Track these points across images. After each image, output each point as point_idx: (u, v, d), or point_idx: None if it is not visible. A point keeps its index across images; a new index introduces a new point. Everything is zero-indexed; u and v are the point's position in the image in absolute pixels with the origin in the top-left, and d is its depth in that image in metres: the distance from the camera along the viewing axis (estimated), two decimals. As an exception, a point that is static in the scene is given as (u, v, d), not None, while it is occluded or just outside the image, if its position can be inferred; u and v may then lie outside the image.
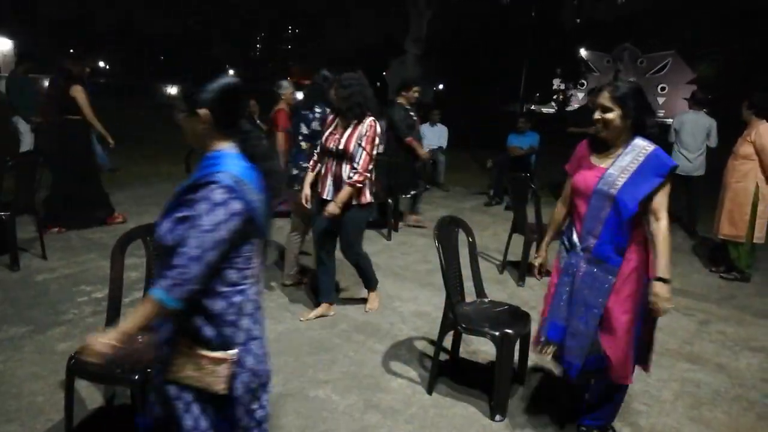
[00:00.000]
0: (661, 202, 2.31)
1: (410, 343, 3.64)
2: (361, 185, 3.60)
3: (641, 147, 2.32)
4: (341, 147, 3.59)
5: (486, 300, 3.22)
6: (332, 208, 3.58)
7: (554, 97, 30.77)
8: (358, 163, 3.57)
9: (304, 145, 4.24)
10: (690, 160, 6.52)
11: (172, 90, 38.19)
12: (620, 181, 2.30)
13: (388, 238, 6.05)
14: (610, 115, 2.34)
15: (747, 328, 4.23)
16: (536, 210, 4.82)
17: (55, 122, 5.47)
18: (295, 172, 4.23)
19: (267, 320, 3.77)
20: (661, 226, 2.30)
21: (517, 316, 3.03)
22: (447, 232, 3.06)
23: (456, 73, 24.73)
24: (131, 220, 6.05)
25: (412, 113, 6.16)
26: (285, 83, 5.87)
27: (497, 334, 2.78)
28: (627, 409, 3.01)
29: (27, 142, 7.54)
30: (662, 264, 2.29)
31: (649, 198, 2.30)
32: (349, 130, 3.61)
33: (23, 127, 7.43)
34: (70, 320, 3.69)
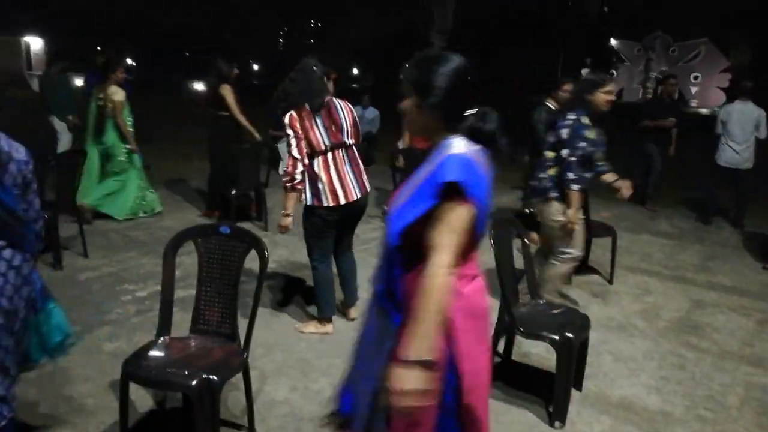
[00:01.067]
0: (435, 236, 1.45)
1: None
2: (287, 186, 3.32)
3: (446, 150, 1.55)
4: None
5: (541, 301, 3.11)
6: (280, 220, 3.45)
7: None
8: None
9: (549, 153, 3.66)
10: (738, 152, 6.27)
11: (198, 86, 38.58)
12: (400, 200, 1.60)
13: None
14: (404, 104, 1.66)
15: (809, 329, 4.04)
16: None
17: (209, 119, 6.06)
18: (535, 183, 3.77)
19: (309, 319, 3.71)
20: (428, 273, 1.42)
21: (576, 319, 2.92)
22: (503, 232, 2.95)
23: (482, 66, 24.47)
24: (167, 217, 6.05)
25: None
26: None
27: (558, 338, 2.67)
28: (692, 415, 2.88)
29: (65, 141, 7.60)
30: (413, 337, 1.39)
31: (421, 227, 1.48)
32: None
33: (59, 126, 7.48)
34: (115, 320, 3.68)
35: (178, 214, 6.25)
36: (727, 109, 6.41)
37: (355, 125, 3.50)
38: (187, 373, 2.18)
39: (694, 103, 24.16)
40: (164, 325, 2.48)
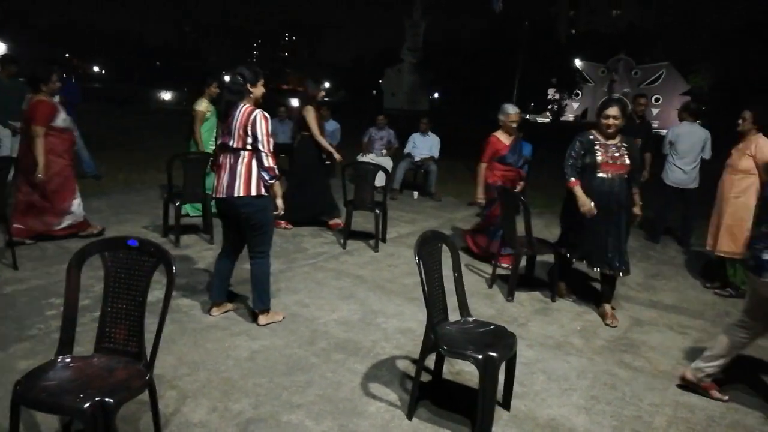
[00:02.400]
0: None
1: (392, 362, 3.47)
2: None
3: None
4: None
5: (470, 319, 3.06)
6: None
7: (549, 106, 30.78)
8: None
9: None
10: (685, 172, 6.40)
11: (166, 96, 38.22)
12: None
13: (376, 249, 5.88)
14: None
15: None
16: (526, 223, 4.67)
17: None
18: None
19: (242, 337, 3.62)
20: None
21: (503, 338, 2.87)
22: (429, 247, 2.90)
23: (450, 82, 24.70)
24: (110, 229, 5.87)
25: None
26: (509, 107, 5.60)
27: (480, 357, 2.62)
28: (618, 436, 2.85)
29: (6, 146, 7.35)
30: None
31: None
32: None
33: (2, 132, 7.24)
34: (35, 336, 3.51)
35: (121, 226, 6.07)
36: (675, 131, 6.54)
37: (244, 132, 3.59)
38: (80, 395, 2.05)
39: (654, 124, 24.86)
40: (65, 343, 2.36)
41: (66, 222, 5.41)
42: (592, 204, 4.07)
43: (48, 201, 5.26)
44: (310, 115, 6.16)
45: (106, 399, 2.05)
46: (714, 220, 5.16)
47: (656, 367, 3.64)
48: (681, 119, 6.60)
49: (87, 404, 2.02)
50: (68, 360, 2.33)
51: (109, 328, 2.40)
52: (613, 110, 4.11)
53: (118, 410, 2.10)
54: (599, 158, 4.11)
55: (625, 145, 4.19)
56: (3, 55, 8.22)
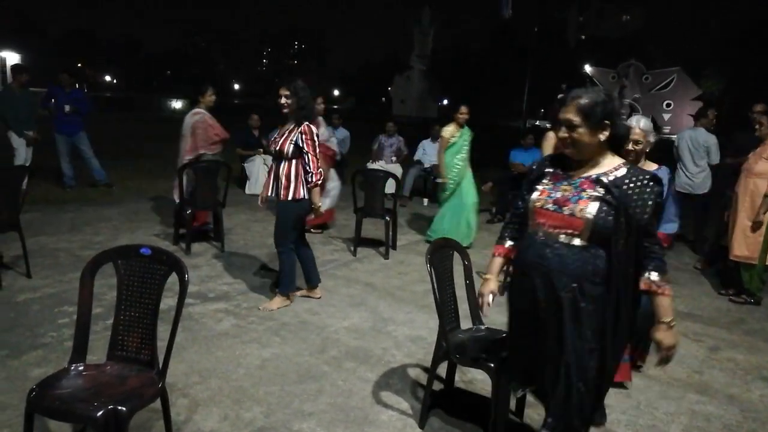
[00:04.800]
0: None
1: (403, 370, 3.45)
2: (318, 183, 4.06)
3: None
4: (278, 149, 4.05)
5: (482, 327, 3.04)
6: (317, 212, 4.22)
7: (558, 113, 30.61)
8: (309, 166, 4.02)
9: None
10: (690, 177, 6.36)
11: (177, 104, 38.56)
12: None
13: (386, 257, 5.87)
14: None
15: (759, 356, 4.02)
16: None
17: None
18: None
19: (253, 345, 3.62)
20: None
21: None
22: (440, 255, 2.89)
23: (460, 89, 24.72)
24: (121, 237, 5.91)
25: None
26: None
27: (493, 365, 2.60)
28: (633, 446, 2.81)
29: (22, 156, 7.44)
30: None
31: None
32: (285, 135, 4.07)
33: (16, 142, 7.32)
34: (48, 344, 3.52)
35: (133, 234, 6.11)
36: (678, 135, 6.53)
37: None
38: (93, 403, 2.06)
39: (666, 129, 24.70)
40: (78, 351, 2.37)
41: None
42: (495, 286, 2.44)
43: None
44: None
45: (119, 407, 2.05)
46: (729, 224, 5.12)
47: (671, 375, 3.60)
48: (696, 125, 6.56)
49: (100, 412, 2.02)
50: (81, 368, 2.33)
51: (121, 336, 2.41)
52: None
53: (130, 418, 2.09)
54: (534, 198, 2.17)
55: (606, 179, 2.02)
56: (14, 65, 8.33)
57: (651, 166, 3.11)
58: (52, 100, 8.00)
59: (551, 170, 2.18)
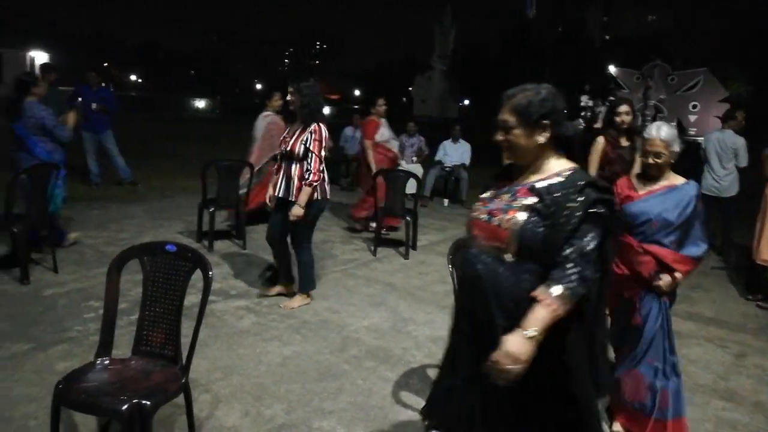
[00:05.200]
0: None
1: (423, 371, 3.45)
2: (314, 184, 3.98)
3: None
4: (288, 149, 4.02)
5: (503, 329, 3.02)
6: (296, 211, 3.97)
7: (581, 114, 30.35)
8: (310, 165, 3.96)
9: None
10: (717, 180, 6.23)
11: (200, 104, 39.08)
12: None
13: (406, 256, 5.87)
14: None
15: (787, 363, 3.93)
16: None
17: None
18: None
19: (274, 342, 3.65)
20: None
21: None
22: (462, 255, 2.87)
23: (481, 89, 24.59)
24: (146, 234, 5.99)
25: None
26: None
27: (514, 367, 2.57)
28: (656, 452, 2.76)
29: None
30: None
31: None
32: (296, 134, 4.05)
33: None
34: (74, 338, 3.59)
35: (157, 231, 6.19)
36: (706, 137, 6.42)
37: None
38: (118, 397, 2.09)
39: (692, 131, 24.25)
40: (104, 346, 2.41)
41: None
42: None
43: None
44: (596, 146, 6.53)
45: (144, 401, 2.09)
46: (757, 228, 5.02)
47: (696, 381, 3.53)
48: (724, 127, 6.43)
49: (125, 406, 2.05)
50: (107, 362, 2.38)
51: (146, 332, 2.45)
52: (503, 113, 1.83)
53: (154, 413, 2.13)
54: (473, 208, 1.94)
55: (541, 185, 1.76)
56: (43, 64, 8.50)
57: (677, 180, 2.79)
58: (79, 98, 8.15)
59: (498, 180, 1.92)
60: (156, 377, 2.28)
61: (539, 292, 1.63)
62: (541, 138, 1.76)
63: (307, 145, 3.97)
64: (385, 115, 6.79)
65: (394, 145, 6.91)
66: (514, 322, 1.64)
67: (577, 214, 1.65)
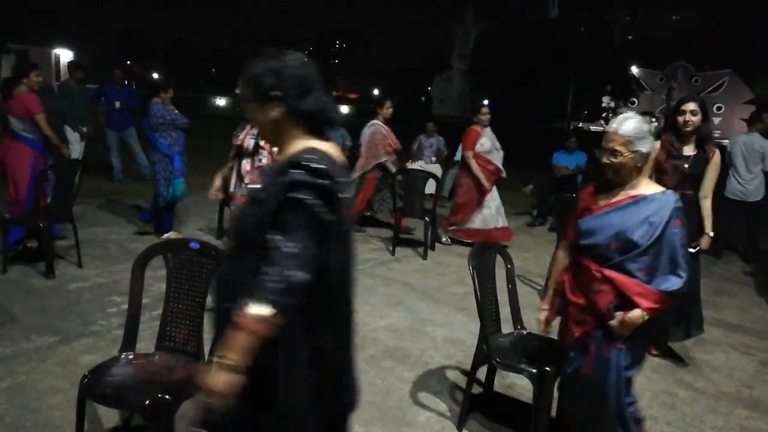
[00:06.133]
0: None
1: (441, 372, 3.44)
2: None
3: None
4: (237, 144, 3.84)
5: (524, 331, 3.01)
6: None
7: (603, 114, 30.04)
8: (261, 161, 3.72)
9: None
10: (743, 184, 6.12)
11: (221, 102, 39.46)
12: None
13: (424, 257, 5.86)
14: None
15: (814, 372, 3.85)
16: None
17: None
18: None
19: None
20: None
21: (557, 351, 2.80)
22: (483, 257, 2.87)
23: (502, 89, 24.45)
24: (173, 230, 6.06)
25: None
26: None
27: (535, 371, 2.56)
28: (678, 460, 2.73)
29: (76, 150, 7.71)
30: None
31: None
32: (246, 129, 3.86)
33: (71, 135, 7.60)
34: (98, 332, 3.65)
35: (178, 227, 6.26)
36: (732, 140, 6.30)
37: None
38: (142, 392, 2.12)
39: (716, 133, 23.84)
40: (129, 340, 2.45)
41: None
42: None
43: None
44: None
45: (167, 396, 2.11)
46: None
47: (719, 388, 3.48)
48: (750, 130, 6.31)
49: (148, 401, 2.08)
50: (131, 357, 2.41)
51: (169, 328, 2.48)
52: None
53: (177, 408, 2.16)
54: None
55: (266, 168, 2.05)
56: (71, 62, 8.67)
57: (647, 189, 2.22)
58: (102, 97, 8.28)
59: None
60: (179, 373, 2.31)
61: (236, 313, 1.34)
62: (275, 113, 1.51)
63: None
64: (487, 124, 6.18)
65: (498, 157, 6.22)
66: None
67: (273, 200, 1.40)
